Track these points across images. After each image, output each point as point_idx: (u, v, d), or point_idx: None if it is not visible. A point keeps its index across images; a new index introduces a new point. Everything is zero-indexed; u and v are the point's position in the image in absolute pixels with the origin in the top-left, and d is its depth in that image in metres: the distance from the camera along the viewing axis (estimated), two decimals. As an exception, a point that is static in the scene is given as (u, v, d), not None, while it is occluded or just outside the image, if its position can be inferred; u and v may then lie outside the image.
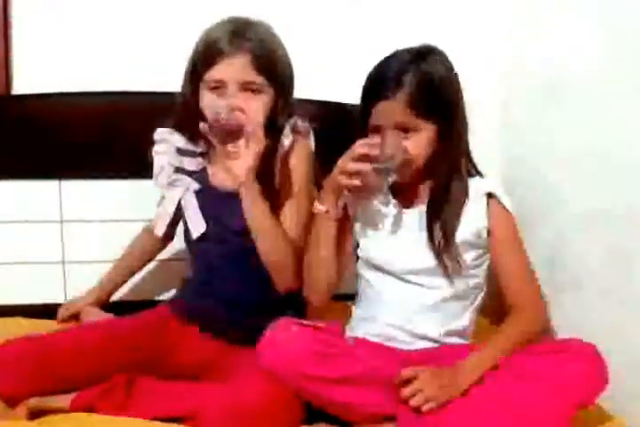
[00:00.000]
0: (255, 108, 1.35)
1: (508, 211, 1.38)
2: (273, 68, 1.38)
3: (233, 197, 1.37)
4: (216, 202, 1.46)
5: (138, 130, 1.79)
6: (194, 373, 1.44)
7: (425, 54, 1.34)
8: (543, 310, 1.41)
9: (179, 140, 1.48)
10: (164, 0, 1.84)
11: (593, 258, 1.50)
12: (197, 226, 1.46)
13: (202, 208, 1.47)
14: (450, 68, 1.36)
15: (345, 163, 1.27)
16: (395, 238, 1.40)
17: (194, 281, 1.54)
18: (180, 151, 1.48)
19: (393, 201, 1.41)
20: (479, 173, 1.43)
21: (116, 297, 1.75)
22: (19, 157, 1.83)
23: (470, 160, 1.42)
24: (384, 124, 1.32)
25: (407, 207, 1.41)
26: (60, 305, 1.74)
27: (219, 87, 1.36)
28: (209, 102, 1.36)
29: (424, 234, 1.36)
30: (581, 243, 1.55)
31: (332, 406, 1.24)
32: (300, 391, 1.22)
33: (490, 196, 1.38)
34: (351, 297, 1.51)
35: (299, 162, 1.44)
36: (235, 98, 1.34)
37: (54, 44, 1.83)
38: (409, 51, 1.35)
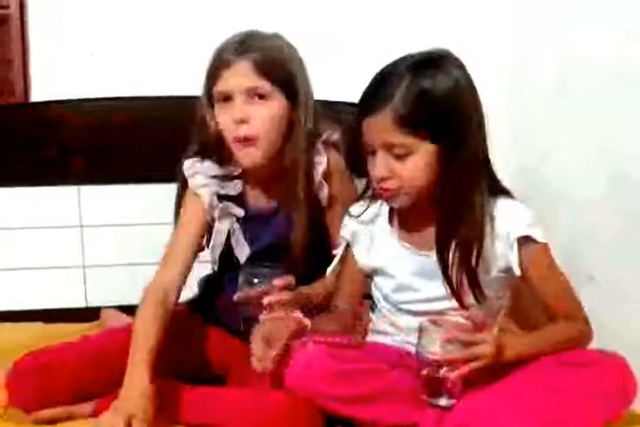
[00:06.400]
0: (263, 116, 1.32)
1: (542, 244, 1.23)
2: (279, 72, 1.33)
3: (271, 217, 1.41)
4: (256, 224, 1.44)
5: (156, 135, 1.82)
6: (215, 374, 1.44)
7: (428, 64, 1.17)
8: (590, 330, 1.29)
9: (211, 168, 1.42)
10: (180, 7, 1.87)
11: (607, 257, 1.50)
12: (243, 251, 1.45)
13: (244, 231, 1.45)
14: (459, 78, 1.18)
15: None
16: (414, 282, 1.30)
17: (222, 287, 1.53)
18: (217, 178, 1.43)
19: (407, 245, 1.30)
20: (505, 192, 1.27)
21: (132, 300, 1.76)
22: (38, 163, 1.85)
23: (494, 179, 1.26)
24: (372, 144, 1.20)
25: (426, 250, 1.28)
26: (80, 309, 1.76)
27: (228, 100, 1.33)
28: (223, 127, 1.35)
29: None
30: (597, 241, 1.55)
31: (354, 421, 1.21)
32: (321, 408, 1.19)
33: (522, 238, 1.22)
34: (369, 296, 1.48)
35: (341, 178, 1.45)
36: (240, 109, 1.31)
37: (71, 52, 1.85)
38: (411, 58, 1.19)
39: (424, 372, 1.16)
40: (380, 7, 1.93)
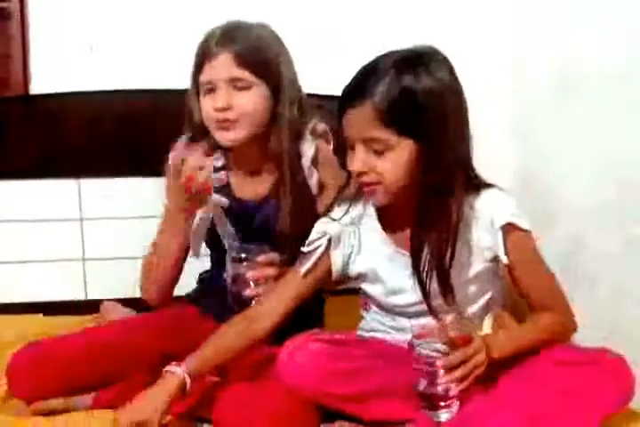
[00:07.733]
0: (243, 103, 1.35)
1: (526, 232, 1.22)
2: (261, 62, 1.36)
3: (258, 207, 1.43)
4: (243, 213, 1.46)
5: (155, 128, 1.83)
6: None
7: (414, 62, 1.14)
8: (574, 320, 1.29)
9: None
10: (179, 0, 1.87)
11: (607, 257, 1.51)
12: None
13: (230, 220, 1.46)
14: (443, 77, 1.14)
15: None
16: (406, 283, 1.26)
17: (217, 280, 1.55)
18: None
19: (398, 247, 1.26)
20: (489, 185, 1.23)
21: (132, 293, 1.76)
22: (37, 156, 1.86)
23: (475, 176, 1.23)
24: (352, 137, 1.17)
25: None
26: (80, 302, 1.77)
27: (212, 89, 1.36)
28: (205, 113, 1.37)
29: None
30: (597, 242, 1.56)
31: (354, 417, 1.23)
32: (322, 405, 1.21)
33: (506, 225, 1.20)
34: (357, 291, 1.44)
35: (331, 167, 1.45)
36: (222, 98, 1.33)
37: (71, 46, 1.86)
38: (396, 54, 1.16)
39: (421, 388, 1.14)
40: (380, 5, 1.93)
